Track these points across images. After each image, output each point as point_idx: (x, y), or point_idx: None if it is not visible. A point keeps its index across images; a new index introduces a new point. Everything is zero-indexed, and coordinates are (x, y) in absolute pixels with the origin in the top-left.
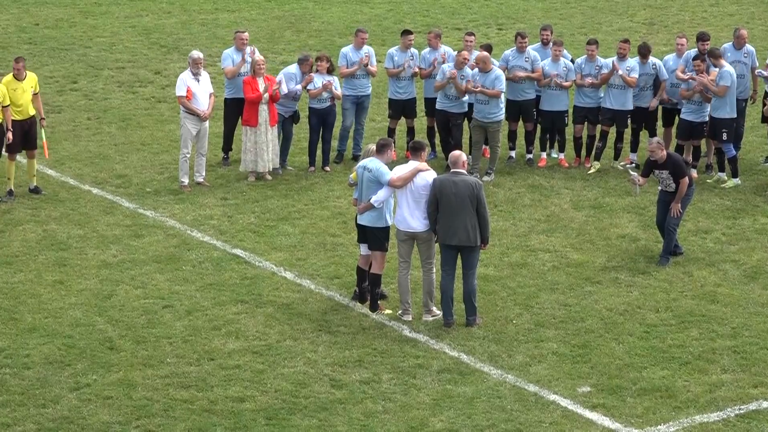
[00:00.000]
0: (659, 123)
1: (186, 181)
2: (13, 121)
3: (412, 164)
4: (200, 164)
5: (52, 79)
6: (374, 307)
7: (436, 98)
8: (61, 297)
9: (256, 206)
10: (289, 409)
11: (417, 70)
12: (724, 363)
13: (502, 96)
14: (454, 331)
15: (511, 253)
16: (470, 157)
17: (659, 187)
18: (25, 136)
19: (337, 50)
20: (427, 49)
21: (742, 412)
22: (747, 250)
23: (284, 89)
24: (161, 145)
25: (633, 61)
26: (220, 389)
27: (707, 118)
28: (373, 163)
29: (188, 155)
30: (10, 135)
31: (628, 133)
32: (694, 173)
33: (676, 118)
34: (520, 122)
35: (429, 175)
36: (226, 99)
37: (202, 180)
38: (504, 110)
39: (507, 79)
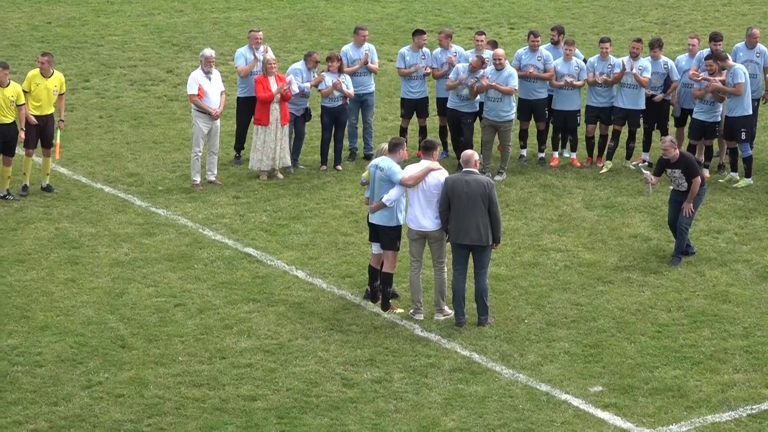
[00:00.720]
0: (671, 122)
1: (198, 179)
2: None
3: (424, 163)
4: (212, 163)
5: (65, 77)
6: (386, 306)
7: (447, 98)
8: (73, 295)
9: (268, 205)
10: (301, 407)
11: (429, 70)
12: (736, 363)
13: (514, 95)
14: (465, 331)
15: (522, 253)
16: (481, 156)
17: (671, 187)
18: (40, 133)
19: None
20: (438, 49)
21: (754, 411)
22: (759, 249)
23: (295, 89)
24: (173, 143)
25: (645, 61)
26: (232, 388)
27: (719, 118)
28: (385, 162)
29: (200, 154)
30: (22, 134)
31: (640, 133)
32: (706, 173)
33: (689, 117)
34: (532, 121)
35: (441, 174)
36: (238, 97)
37: (214, 179)
38: (515, 109)
39: (519, 76)
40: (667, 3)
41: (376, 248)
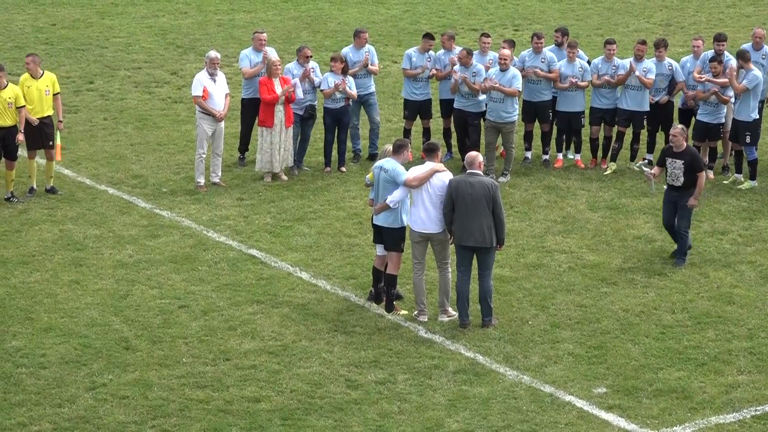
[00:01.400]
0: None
1: (202, 181)
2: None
3: (429, 165)
4: (216, 164)
5: (69, 79)
6: (390, 308)
7: (451, 99)
8: (78, 297)
9: (272, 206)
10: (305, 409)
11: (434, 72)
12: (741, 364)
13: (517, 97)
14: (469, 332)
15: (527, 254)
16: (484, 158)
17: (665, 184)
18: (38, 135)
19: None
20: (442, 51)
21: (758, 413)
22: (763, 251)
23: (299, 94)
24: (177, 145)
25: (650, 63)
26: (236, 389)
27: (723, 120)
28: (389, 163)
29: (204, 156)
30: (20, 136)
31: (644, 134)
32: (710, 174)
33: (693, 119)
34: (536, 123)
35: (446, 176)
36: (243, 99)
37: (218, 180)
38: (517, 111)
39: (524, 75)
40: (671, 4)
41: (380, 250)
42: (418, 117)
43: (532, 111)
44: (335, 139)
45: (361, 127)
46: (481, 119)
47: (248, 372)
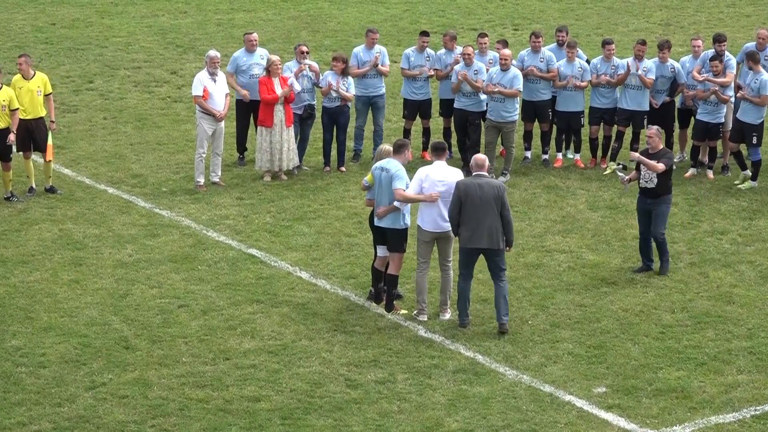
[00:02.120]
0: (675, 124)
1: (202, 180)
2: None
3: (435, 167)
4: (216, 164)
5: (69, 78)
6: (390, 308)
7: (452, 99)
8: (77, 296)
9: (271, 206)
10: (305, 408)
11: (432, 72)
12: (740, 364)
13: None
14: (469, 332)
15: (526, 254)
16: None
17: (639, 186)
18: (31, 137)
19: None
20: (443, 51)
21: (757, 413)
22: (763, 251)
23: (297, 88)
24: (177, 144)
25: (650, 62)
26: (236, 389)
27: (723, 119)
28: (390, 164)
29: (204, 155)
30: (12, 137)
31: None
32: (710, 174)
33: (692, 119)
34: (536, 123)
35: (457, 175)
36: (237, 100)
37: (217, 180)
38: (518, 110)
39: (524, 75)
40: (671, 4)
41: (381, 251)
42: (417, 117)
43: (531, 110)
44: (334, 139)
45: (365, 128)
46: (482, 119)
47: (248, 371)
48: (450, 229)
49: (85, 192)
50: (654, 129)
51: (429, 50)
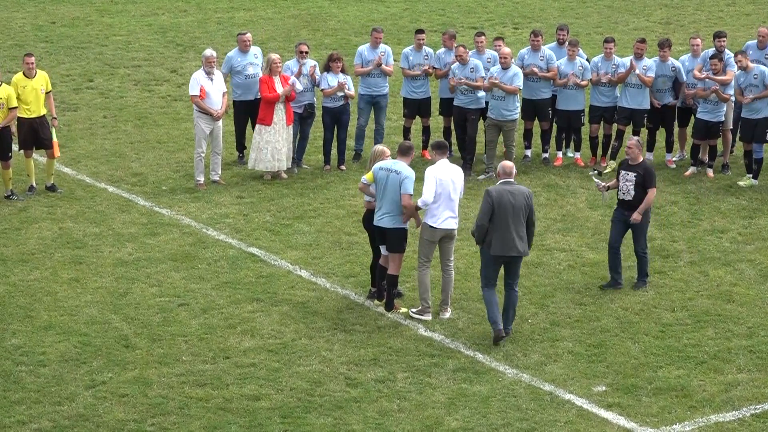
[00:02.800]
0: (675, 122)
1: (201, 179)
2: (21, 118)
3: (442, 167)
4: (216, 163)
5: (69, 77)
6: (390, 307)
7: (451, 98)
8: (77, 295)
9: (271, 205)
10: (304, 407)
11: (431, 70)
12: (740, 362)
13: (518, 95)
14: (469, 330)
15: None
16: (485, 156)
17: (617, 198)
18: (35, 135)
19: (353, 49)
20: (442, 50)
21: (757, 411)
22: (763, 249)
23: (298, 87)
24: (177, 143)
25: (650, 61)
26: (236, 387)
27: (723, 118)
28: (399, 165)
29: (203, 154)
30: (14, 130)
31: (644, 132)
32: (710, 173)
33: (692, 117)
34: (536, 121)
35: (458, 173)
36: (234, 101)
37: (218, 178)
38: (519, 109)
39: (525, 74)
40: (671, 3)
41: (384, 250)
42: (417, 115)
43: (531, 109)
44: (335, 138)
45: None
46: (481, 117)
47: (248, 370)
48: (455, 228)
49: (85, 190)
50: (635, 140)
51: (427, 48)
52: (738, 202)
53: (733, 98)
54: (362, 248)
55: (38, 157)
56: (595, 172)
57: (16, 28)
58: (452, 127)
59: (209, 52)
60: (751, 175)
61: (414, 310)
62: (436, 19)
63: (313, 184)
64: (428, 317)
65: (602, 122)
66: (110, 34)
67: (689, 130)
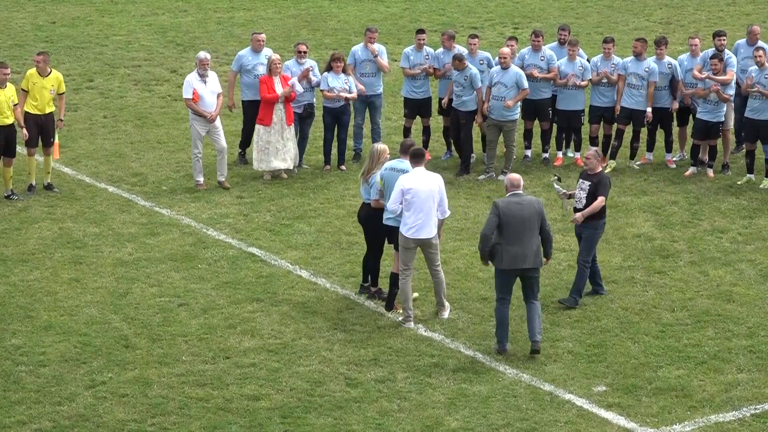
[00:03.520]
0: (674, 123)
1: (201, 179)
2: (28, 113)
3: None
4: (221, 164)
5: (69, 77)
6: (390, 306)
7: (450, 98)
8: (77, 295)
9: (271, 205)
10: (305, 407)
11: (431, 70)
12: (740, 362)
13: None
14: (469, 330)
15: None
16: (485, 156)
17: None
18: (40, 131)
19: None
20: (441, 50)
21: (757, 411)
22: (763, 249)
23: (299, 89)
24: (177, 143)
25: (652, 63)
26: (236, 387)
27: (723, 118)
28: (405, 164)
29: (200, 155)
30: (25, 131)
31: (644, 132)
32: (710, 173)
33: (691, 117)
34: (536, 121)
35: (438, 180)
36: (243, 101)
37: (222, 179)
38: (519, 109)
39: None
40: (671, 3)
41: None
42: (418, 115)
43: (531, 109)
44: (335, 138)
45: (364, 127)
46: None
47: (248, 370)
48: (433, 235)
49: (85, 190)
50: (593, 151)
51: (428, 48)
52: (738, 202)
53: (733, 98)
54: (362, 248)
55: (37, 156)
56: (556, 178)
57: (16, 28)
58: (450, 127)
59: (203, 54)
60: (752, 175)
61: (400, 319)
62: (436, 19)
63: (313, 184)
64: (410, 325)
65: (602, 122)
66: (110, 34)
67: (689, 129)
